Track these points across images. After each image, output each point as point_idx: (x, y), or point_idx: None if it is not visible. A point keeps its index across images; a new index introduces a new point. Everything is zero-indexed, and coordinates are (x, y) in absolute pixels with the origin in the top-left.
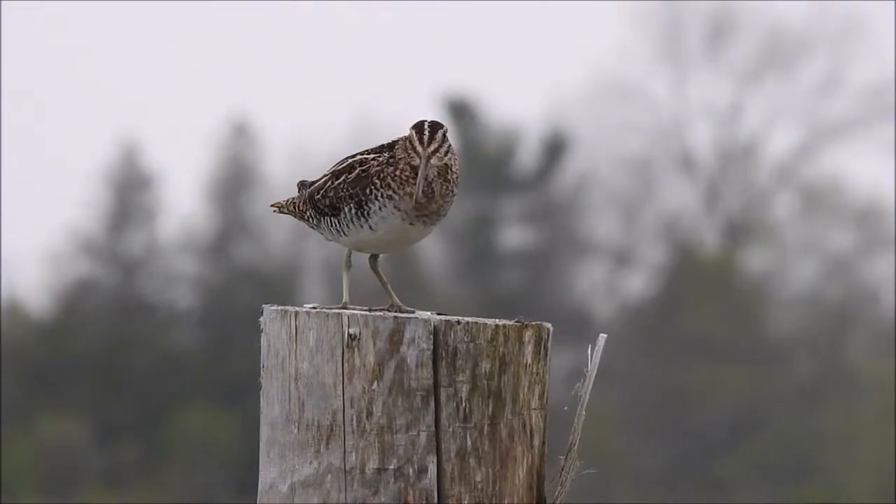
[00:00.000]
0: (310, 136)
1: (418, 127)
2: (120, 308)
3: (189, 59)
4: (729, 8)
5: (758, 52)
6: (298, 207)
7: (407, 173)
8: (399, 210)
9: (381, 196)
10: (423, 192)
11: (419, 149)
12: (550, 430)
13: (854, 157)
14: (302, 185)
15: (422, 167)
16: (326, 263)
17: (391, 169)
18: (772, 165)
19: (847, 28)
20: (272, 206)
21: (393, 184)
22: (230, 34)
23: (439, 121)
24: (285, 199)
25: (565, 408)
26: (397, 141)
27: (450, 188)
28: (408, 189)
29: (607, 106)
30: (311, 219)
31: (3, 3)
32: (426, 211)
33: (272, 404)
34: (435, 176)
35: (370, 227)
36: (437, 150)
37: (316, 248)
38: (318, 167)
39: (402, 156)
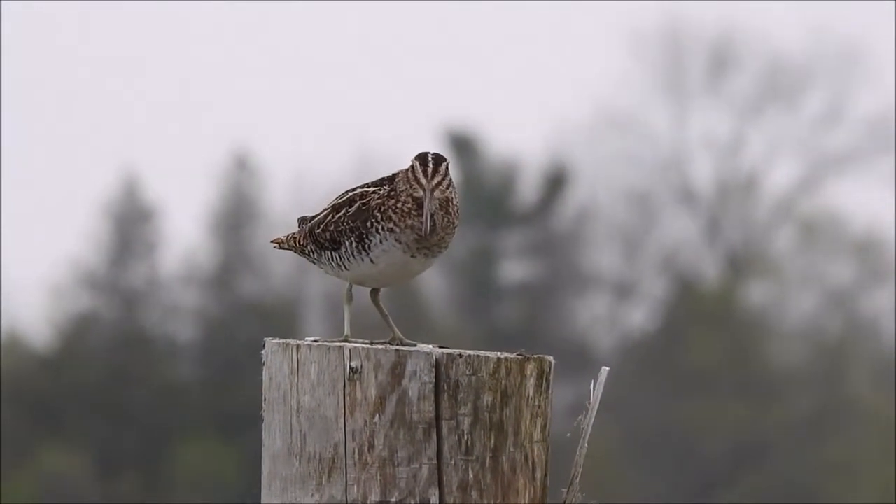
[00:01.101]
0: (311, 169)
1: (422, 159)
2: (121, 341)
3: (191, 92)
4: (729, 40)
5: (758, 85)
6: (299, 242)
7: (409, 205)
8: (400, 243)
9: (383, 229)
10: (428, 224)
11: (423, 181)
12: (552, 463)
13: (855, 189)
14: (302, 220)
15: (427, 200)
16: (327, 297)
17: (392, 202)
18: (772, 198)
19: (847, 59)
20: (272, 241)
21: (394, 216)
22: (232, 67)
23: (441, 154)
24: (285, 235)
25: (568, 434)
26: (398, 174)
27: (451, 221)
28: (409, 221)
29: (608, 138)
30: (311, 253)
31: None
32: (427, 243)
33: (274, 437)
34: (437, 208)
35: (371, 261)
36: (440, 183)
37: (317, 281)
38: (319, 200)
39: (404, 188)
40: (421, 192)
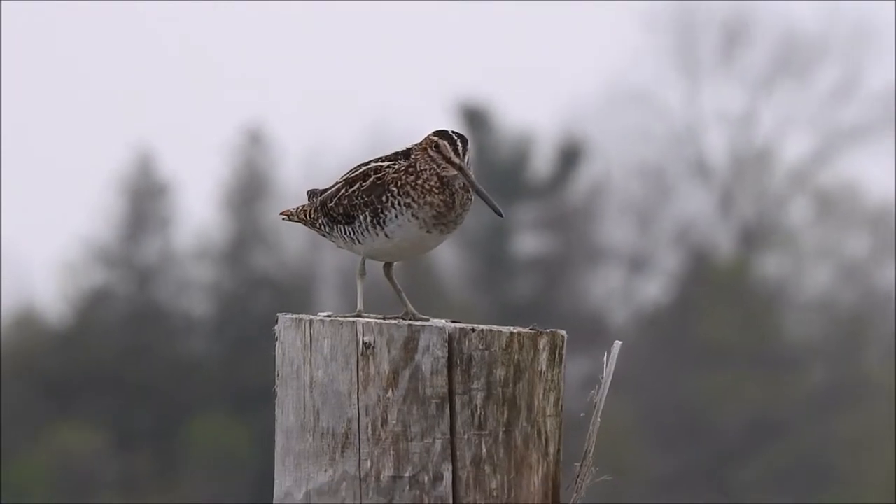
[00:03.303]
0: (324, 143)
1: (450, 138)
2: (135, 316)
3: (204, 68)
4: (743, 15)
5: (772, 59)
6: (309, 215)
7: (431, 183)
8: (417, 218)
9: (399, 204)
10: (493, 201)
11: (456, 160)
12: (565, 438)
13: (868, 162)
14: (312, 193)
15: (470, 178)
16: (341, 271)
17: (411, 178)
18: (786, 171)
19: (861, 33)
20: (281, 213)
21: (413, 192)
22: (245, 43)
23: (459, 132)
24: (295, 207)
25: (581, 414)
26: (412, 148)
27: (468, 198)
28: (428, 198)
29: (622, 113)
30: (322, 226)
31: (16, 9)
32: (445, 220)
33: (287, 413)
34: (460, 187)
35: (386, 235)
36: (468, 161)
37: (330, 256)
38: (332, 174)
39: (427, 166)
40: (452, 171)
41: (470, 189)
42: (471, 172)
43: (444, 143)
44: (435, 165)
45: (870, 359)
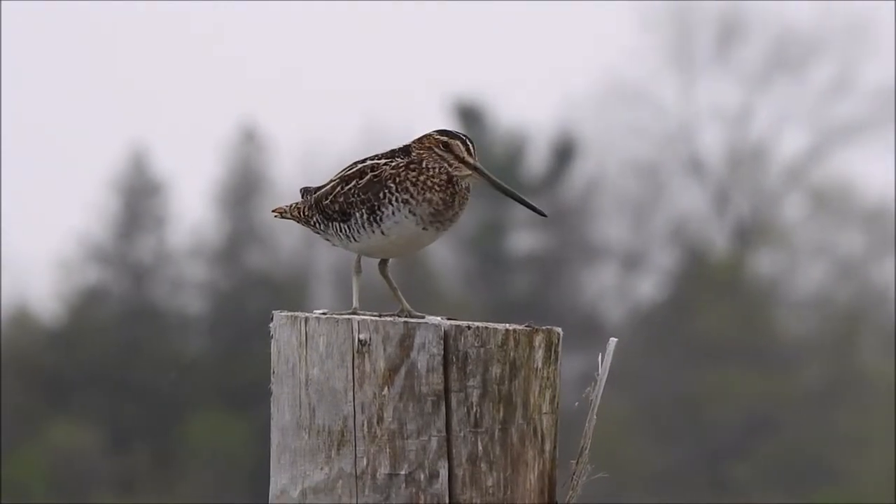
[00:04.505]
0: (319, 141)
1: (461, 138)
2: (130, 315)
3: (197, 65)
4: (737, 11)
5: (766, 55)
6: (303, 213)
7: (436, 181)
8: (414, 215)
9: (397, 200)
10: (529, 199)
11: (470, 160)
12: (561, 435)
13: (864, 159)
14: (305, 191)
15: (493, 180)
16: (336, 269)
17: (413, 174)
18: (781, 168)
19: (856, 29)
20: (274, 211)
21: (412, 189)
22: (239, 40)
23: (462, 132)
24: (288, 205)
25: (576, 403)
26: (410, 146)
27: (467, 197)
28: (428, 195)
29: (616, 110)
30: (317, 224)
31: (9, 9)
32: (443, 217)
33: (283, 410)
34: (464, 187)
35: (382, 232)
36: None
37: (325, 253)
38: (327, 173)
39: (436, 165)
40: (465, 171)
41: (497, 190)
42: (490, 173)
43: (455, 143)
44: (446, 164)
45: (865, 356)
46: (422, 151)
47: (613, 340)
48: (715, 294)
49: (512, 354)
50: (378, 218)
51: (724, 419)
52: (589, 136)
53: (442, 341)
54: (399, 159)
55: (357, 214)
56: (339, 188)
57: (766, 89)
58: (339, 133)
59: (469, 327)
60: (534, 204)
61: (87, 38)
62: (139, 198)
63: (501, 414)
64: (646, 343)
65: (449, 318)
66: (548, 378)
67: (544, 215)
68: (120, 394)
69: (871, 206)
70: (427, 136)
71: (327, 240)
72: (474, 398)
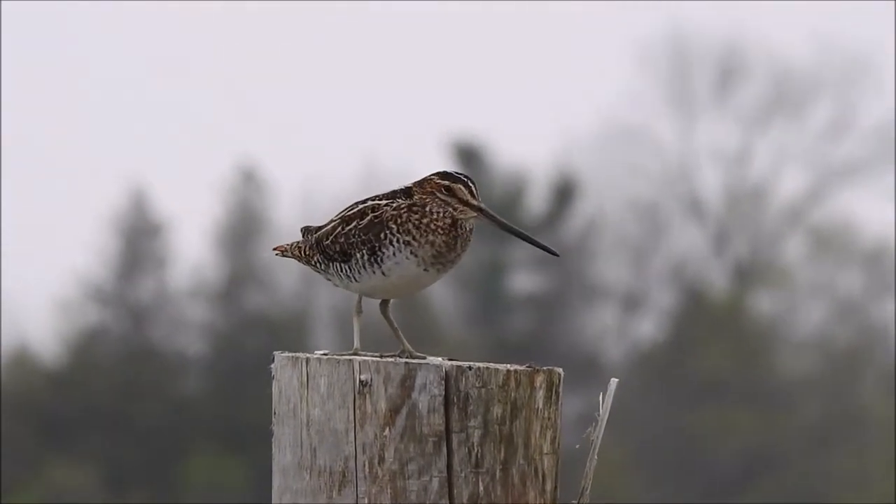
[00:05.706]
0: (318, 182)
1: (463, 181)
2: (129, 355)
3: (197, 106)
4: (736, 51)
5: (765, 96)
6: (305, 252)
7: (438, 223)
8: (416, 256)
9: (398, 241)
10: (541, 240)
11: (474, 203)
12: (562, 475)
13: (863, 198)
14: (306, 230)
15: (501, 221)
16: (336, 310)
17: (415, 216)
18: (780, 208)
19: (854, 69)
20: (275, 249)
21: (415, 231)
22: (238, 81)
23: (463, 172)
24: (289, 244)
25: (577, 446)
26: (411, 187)
27: (469, 239)
28: (430, 238)
29: (616, 150)
30: (318, 264)
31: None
32: (444, 259)
33: (284, 451)
34: (468, 230)
35: (382, 273)
36: None
37: (326, 294)
38: (326, 213)
39: (440, 209)
40: (471, 214)
41: (504, 231)
42: (496, 214)
43: (458, 187)
44: (451, 209)
45: (864, 395)
46: (424, 196)
47: (614, 381)
48: (714, 334)
49: (513, 395)
50: (378, 258)
51: (724, 458)
52: (588, 176)
53: (443, 382)
54: (400, 200)
55: (357, 255)
56: (339, 228)
57: (765, 130)
58: (338, 174)
59: (470, 368)
60: (543, 243)
61: (87, 78)
62: (139, 238)
63: (503, 454)
64: (646, 382)
65: (450, 359)
66: (549, 418)
67: (556, 254)
68: (119, 434)
69: (871, 246)
70: (428, 180)
71: (328, 279)
72: (475, 438)
